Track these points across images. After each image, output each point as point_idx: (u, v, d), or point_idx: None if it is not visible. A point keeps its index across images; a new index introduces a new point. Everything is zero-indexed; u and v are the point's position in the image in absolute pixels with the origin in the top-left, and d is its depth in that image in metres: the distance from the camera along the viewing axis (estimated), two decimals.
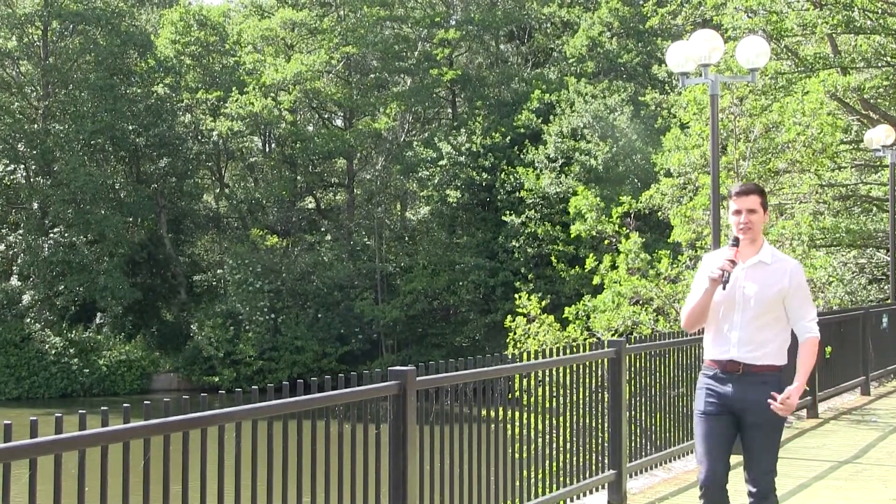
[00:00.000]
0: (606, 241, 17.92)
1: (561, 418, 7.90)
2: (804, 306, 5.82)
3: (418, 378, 6.17)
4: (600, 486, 8.31)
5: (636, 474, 8.95)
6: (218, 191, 50.28)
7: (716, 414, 5.75)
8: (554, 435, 7.81)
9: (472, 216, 46.02)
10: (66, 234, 42.91)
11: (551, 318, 16.30)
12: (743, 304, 5.71)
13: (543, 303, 16.66)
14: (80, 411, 4.46)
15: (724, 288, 5.61)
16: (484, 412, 7.00)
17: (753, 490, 5.76)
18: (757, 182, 17.47)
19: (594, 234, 17.99)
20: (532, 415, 7.81)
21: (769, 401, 5.57)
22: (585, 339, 14.40)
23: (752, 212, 5.72)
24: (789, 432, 12.07)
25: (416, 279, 43.52)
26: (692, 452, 10.15)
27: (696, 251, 17.67)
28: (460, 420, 6.68)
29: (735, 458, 5.87)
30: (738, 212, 5.78)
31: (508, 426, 7.52)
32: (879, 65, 23.44)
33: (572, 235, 18.94)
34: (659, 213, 21.21)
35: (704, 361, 5.90)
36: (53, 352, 40.85)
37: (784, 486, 8.96)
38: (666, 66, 14.18)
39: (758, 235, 5.79)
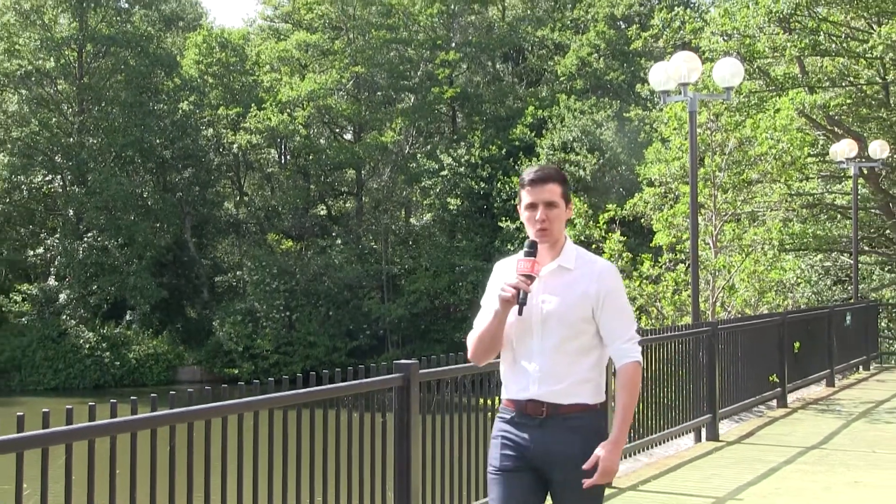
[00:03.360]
0: (594, 246, 17.92)
1: None
2: (620, 320, 3.98)
3: (421, 371, 6.18)
4: None
5: (622, 459, 8.93)
6: (238, 198, 50.29)
7: (513, 470, 3.96)
8: None
9: (471, 222, 45.99)
10: (99, 239, 42.94)
11: None
12: (542, 325, 3.93)
13: None
14: (112, 401, 4.47)
15: (520, 312, 3.88)
16: (482, 402, 7.00)
17: None
18: (729, 191, 17.45)
19: (582, 238, 18.00)
20: None
21: (584, 471, 3.84)
22: None
23: (551, 205, 3.97)
24: (760, 420, 12.06)
25: (420, 280, 43.52)
26: (673, 439, 10.14)
27: (676, 254, 17.69)
28: (460, 410, 6.68)
29: None
30: (532, 205, 4.01)
31: None
32: (843, 84, 23.47)
33: None
34: (642, 220, 21.20)
35: (501, 402, 4.15)
36: (87, 346, 40.86)
37: (756, 471, 8.97)
38: (649, 84, 14.18)
39: (559, 235, 4.02)
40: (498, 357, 4.10)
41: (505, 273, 4.08)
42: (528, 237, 4.05)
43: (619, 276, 4.07)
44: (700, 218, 15.74)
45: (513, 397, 4.03)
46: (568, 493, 3.92)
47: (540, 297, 3.94)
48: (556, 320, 3.92)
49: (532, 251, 3.93)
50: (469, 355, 4.14)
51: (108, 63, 45.30)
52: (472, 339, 4.10)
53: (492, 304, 4.01)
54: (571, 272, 3.98)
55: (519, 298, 3.85)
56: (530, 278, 3.87)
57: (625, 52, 44.97)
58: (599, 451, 3.85)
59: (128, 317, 43.33)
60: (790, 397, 13.63)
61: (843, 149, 18.97)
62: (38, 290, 43.04)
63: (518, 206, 4.12)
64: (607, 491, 8.11)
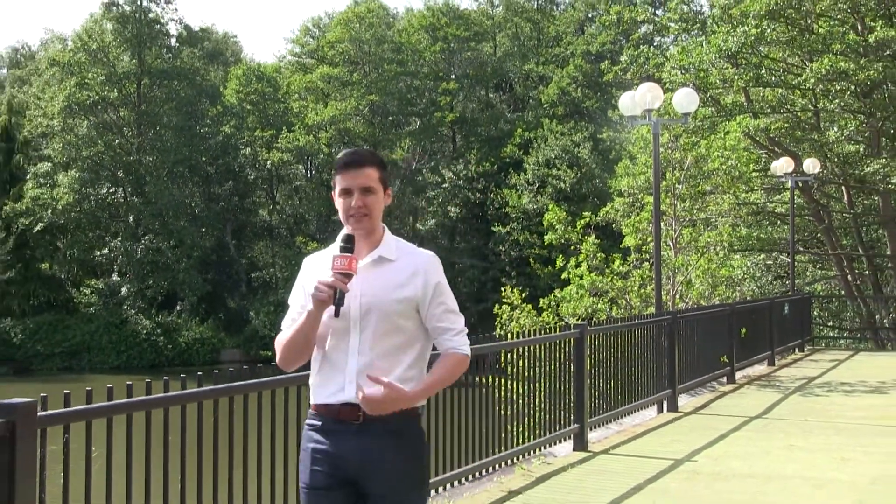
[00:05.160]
0: (572, 247, 17.91)
1: (537, 384, 7.89)
2: (449, 313, 3.11)
3: None
4: (567, 437, 8.31)
5: (595, 427, 8.94)
6: (270, 207, 50.30)
7: (325, 488, 2.98)
8: (531, 397, 7.81)
9: (469, 227, 46.00)
10: (154, 241, 42.99)
11: (529, 306, 16.26)
12: (361, 320, 2.98)
13: (523, 294, 16.62)
14: (165, 378, 4.48)
15: (336, 313, 2.91)
16: (477, 379, 6.99)
17: None
18: (687, 200, 17.42)
19: (563, 241, 17.98)
20: (515, 381, 7.80)
21: (403, 483, 2.96)
22: (556, 323, 14.40)
23: (368, 191, 3.02)
24: (713, 394, 12.04)
25: None
26: (639, 410, 10.13)
27: (642, 254, 17.67)
28: (459, 386, 6.67)
29: None
30: (347, 192, 3.03)
31: (496, 390, 7.51)
32: (782, 111, 23.49)
33: (546, 242, 18.88)
34: (613, 225, 21.21)
35: (310, 408, 3.09)
36: (144, 332, 40.90)
37: (708, 437, 8.96)
38: (619, 110, 14.18)
39: (377, 224, 3.07)
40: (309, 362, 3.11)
41: (317, 269, 3.07)
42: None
43: (442, 267, 3.13)
44: (662, 223, 15.73)
45: (324, 402, 3.00)
46: None
47: (359, 290, 2.98)
48: (376, 315, 2.97)
49: (349, 246, 2.96)
50: (277, 361, 3.08)
51: (161, 93, 45.36)
52: (280, 343, 3.05)
53: (299, 303, 3.09)
54: (393, 263, 3.04)
55: (335, 299, 2.90)
56: (348, 276, 2.91)
57: (598, 83, 44.98)
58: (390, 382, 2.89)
59: (178, 307, 43.35)
60: (738, 375, 13.62)
61: (782, 165, 18.98)
62: (104, 284, 43.13)
63: (332, 194, 3.10)
64: (582, 454, 8.13)
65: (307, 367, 3.14)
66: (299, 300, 3.10)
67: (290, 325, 3.06)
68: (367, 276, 3.00)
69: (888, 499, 6.64)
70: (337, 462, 2.97)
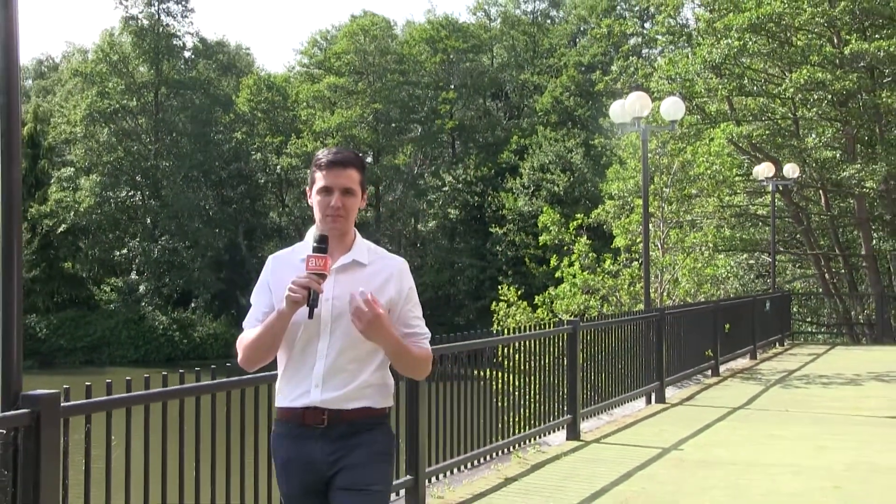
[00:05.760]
0: (566, 248, 17.92)
1: (532, 377, 7.89)
2: (416, 320, 2.99)
3: None
4: (561, 427, 8.31)
5: (587, 418, 8.94)
6: (280, 209, 50.29)
7: (302, 494, 2.84)
8: (527, 389, 7.81)
9: (467, 228, 45.99)
10: (170, 242, 43.00)
11: (525, 303, 16.27)
12: (332, 324, 2.80)
13: (519, 292, 16.63)
14: (180, 371, 4.48)
15: (311, 315, 2.72)
16: (476, 372, 7.00)
17: None
18: (674, 203, 17.40)
19: (556, 241, 17.98)
20: (511, 374, 7.80)
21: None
22: (550, 319, 14.39)
23: (348, 192, 2.87)
24: (698, 387, 12.04)
25: (426, 275, 43.49)
26: (629, 402, 10.13)
27: (632, 254, 17.65)
28: (458, 378, 6.68)
29: None
30: (327, 190, 2.85)
31: (494, 383, 7.51)
32: (763, 119, 23.49)
33: (540, 243, 18.83)
34: (604, 226, 21.21)
35: (276, 413, 2.92)
36: (161, 327, 40.88)
37: (694, 427, 8.97)
38: (609, 118, 14.18)
39: (351, 227, 2.95)
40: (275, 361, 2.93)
41: (284, 268, 2.91)
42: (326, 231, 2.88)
43: (410, 276, 3.02)
44: (650, 225, 15.74)
45: (289, 405, 2.84)
46: (347, 499, 2.76)
47: (332, 293, 2.80)
48: (348, 320, 2.75)
49: (323, 246, 2.77)
50: (240, 361, 2.89)
51: (178, 102, 45.40)
52: (245, 343, 2.85)
53: (264, 302, 2.92)
54: (366, 267, 2.90)
55: (310, 300, 2.70)
56: (322, 277, 2.72)
57: (590, 92, 44.96)
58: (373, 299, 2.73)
59: (193, 304, 43.35)
60: (722, 368, 13.62)
61: (764, 170, 18.97)
62: (123, 282, 43.13)
63: (308, 190, 2.92)
64: (575, 443, 8.14)
65: None
66: (264, 300, 2.92)
67: (255, 324, 2.87)
68: (339, 280, 2.83)
69: (861, 483, 6.65)
70: (307, 467, 2.81)
